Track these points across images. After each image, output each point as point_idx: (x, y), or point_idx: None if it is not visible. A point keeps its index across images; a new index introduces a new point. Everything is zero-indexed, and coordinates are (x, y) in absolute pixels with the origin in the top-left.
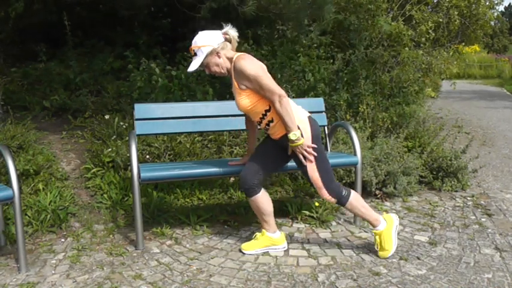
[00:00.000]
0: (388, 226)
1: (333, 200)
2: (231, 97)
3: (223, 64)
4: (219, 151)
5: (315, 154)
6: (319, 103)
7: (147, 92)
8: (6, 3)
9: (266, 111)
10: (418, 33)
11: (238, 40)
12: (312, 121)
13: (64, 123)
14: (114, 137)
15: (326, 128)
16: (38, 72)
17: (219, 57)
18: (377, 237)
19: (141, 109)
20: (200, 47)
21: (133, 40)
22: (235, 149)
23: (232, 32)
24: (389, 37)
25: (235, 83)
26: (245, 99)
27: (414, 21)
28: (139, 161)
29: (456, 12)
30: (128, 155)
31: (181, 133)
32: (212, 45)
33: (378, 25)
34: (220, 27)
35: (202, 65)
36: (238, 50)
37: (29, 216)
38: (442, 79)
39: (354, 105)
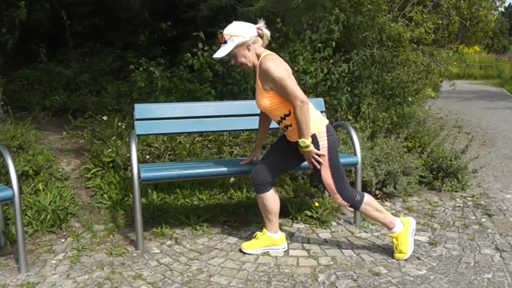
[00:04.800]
0: (405, 229)
1: (346, 204)
2: (231, 97)
3: (251, 58)
4: (219, 151)
5: (321, 162)
6: (319, 103)
7: (147, 92)
8: (10, 13)
9: (285, 115)
10: (418, 34)
11: (269, 39)
12: (329, 130)
13: (64, 123)
14: (114, 137)
15: None
16: (38, 73)
17: (249, 50)
18: (394, 239)
19: (141, 109)
20: (232, 36)
21: (134, 40)
22: (235, 149)
23: (265, 29)
24: (389, 38)
25: (259, 83)
26: (267, 100)
27: (414, 23)
28: (140, 161)
29: (455, 13)
30: (128, 155)
31: (181, 133)
32: (244, 36)
33: (378, 26)
34: (220, 27)
35: (230, 54)
36: None
37: (29, 217)
38: (442, 81)
39: (354, 105)
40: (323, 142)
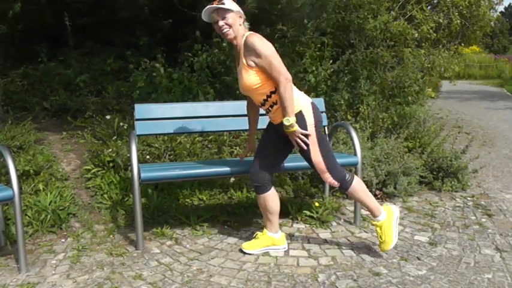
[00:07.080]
0: (388, 218)
1: (336, 183)
2: (232, 98)
3: (238, 29)
4: (219, 151)
5: (307, 141)
6: (319, 103)
7: (147, 92)
8: (7, 4)
9: (271, 92)
10: (420, 33)
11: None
12: (314, 107)
13: (64, 123)
14: (115, 137)
15: (326, 128)
16: (38, 73)
17: (240, 23)
18: (378, 229)
19: (142, 109)
20: (232, 1)
21: (134, 41)
22: (236, 149)
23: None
24: (391, 36)
25: (243, 60)
26: (252, 77)
27: (416, 21)
28: (140, 161)
29: (456, 13)
30: (128, 155)
31: (182, 133)
32: (239, 9)
33: (381, 24)
34: None
35: (227, 11)
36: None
37: (29, 217)
38: (445, 77)
39: (354, 105)
40: (309, 119)
